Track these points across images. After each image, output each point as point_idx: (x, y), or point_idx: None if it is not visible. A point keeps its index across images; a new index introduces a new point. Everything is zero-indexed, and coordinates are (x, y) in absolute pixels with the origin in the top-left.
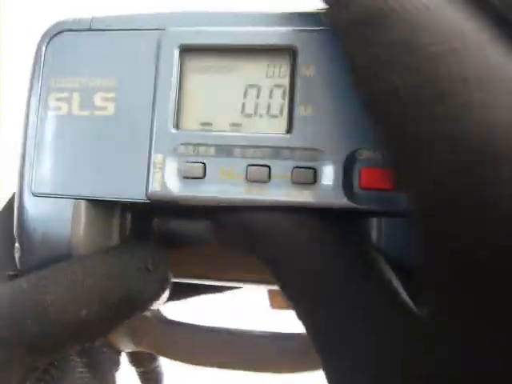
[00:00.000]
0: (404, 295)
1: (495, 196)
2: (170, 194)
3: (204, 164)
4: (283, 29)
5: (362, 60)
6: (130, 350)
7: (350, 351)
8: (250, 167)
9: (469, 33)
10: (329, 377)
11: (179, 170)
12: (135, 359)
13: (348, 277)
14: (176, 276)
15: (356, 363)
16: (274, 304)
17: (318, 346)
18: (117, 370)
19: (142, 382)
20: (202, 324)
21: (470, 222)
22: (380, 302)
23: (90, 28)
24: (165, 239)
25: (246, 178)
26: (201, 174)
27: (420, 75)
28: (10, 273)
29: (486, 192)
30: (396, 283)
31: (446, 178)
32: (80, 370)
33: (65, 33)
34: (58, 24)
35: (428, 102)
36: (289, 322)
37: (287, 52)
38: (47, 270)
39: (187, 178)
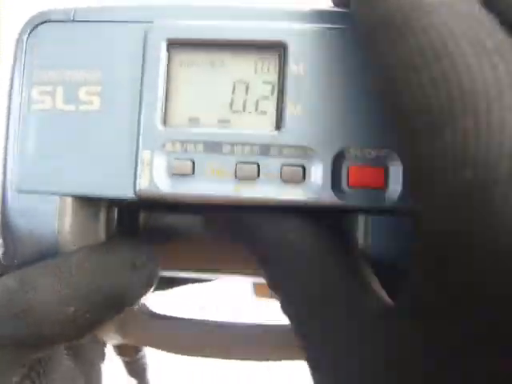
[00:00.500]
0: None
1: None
2: (158, 191)
3: (193, 161)
4: (273, 24)
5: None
6: (115, 343)
7: (331, 346)
8: (239, 164)
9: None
10: (312, 367)
11: (168, 167)
12: (120, 350)
13: (334, 276)
14: (163, 269)
15: (338, 358)
16: (258, 292)
17: (302, 338)
18: (102, 362)
19: (127, 371)
20: (186, 317)
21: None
22: (362, 300)
23: (72, 19)
24: (152, 233)
25: (235, 175)
26: (189, 171)
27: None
28: None
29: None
30: (374, 281)
31: None
32: (65, 363)
33: (46, 23)
34: (39, 14)
35: (458, 114)
36: (272, 311)
37: (277, 48)
38: (33, 267)
39: (175, 174)
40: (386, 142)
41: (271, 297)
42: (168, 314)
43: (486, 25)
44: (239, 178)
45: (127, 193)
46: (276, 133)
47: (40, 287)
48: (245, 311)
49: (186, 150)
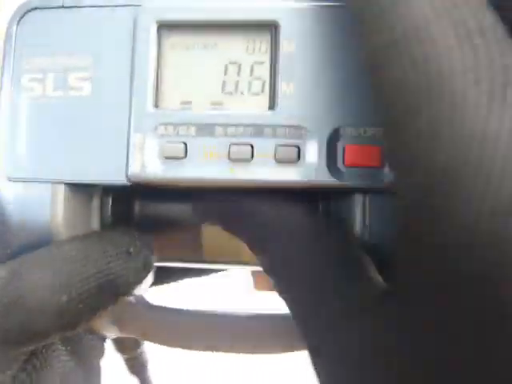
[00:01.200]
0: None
1: None
2: (150, 175)
3: (185, 144)
4: (264, 3)
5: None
6: (114, 336)
7: (330, 332)
8: (232, 146)
9: None
10: (312, 353)
11: (160, 151)
12: (120, 346)
13: (331, 261)
14: (159, 260)
15: (337, 345)
16: (258, 285)
17: (300, 323)
18: (101, 358)
19: (127, 367)
20: (186, 308)
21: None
22: (356, 286)
23: (62, 5)
24: (147, 222)
25: (229, 157)
26: (182, 154)
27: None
28: None
29: None
30: (370, 266)
31: None
32: (64, 358)
33: (36, 10)
34: (28, 1)
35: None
36: (272, 303)
37: (268, 27)
38: (25, 256)
39: (168, 158)
40: None
41: (271, 289)
42: (166, 305)
43: (472, 3)
44: (233, 159)
45: (119, 178)
46: (269, 113)
47: (32, 277)
48: (245, 303)
49: (178, 133)
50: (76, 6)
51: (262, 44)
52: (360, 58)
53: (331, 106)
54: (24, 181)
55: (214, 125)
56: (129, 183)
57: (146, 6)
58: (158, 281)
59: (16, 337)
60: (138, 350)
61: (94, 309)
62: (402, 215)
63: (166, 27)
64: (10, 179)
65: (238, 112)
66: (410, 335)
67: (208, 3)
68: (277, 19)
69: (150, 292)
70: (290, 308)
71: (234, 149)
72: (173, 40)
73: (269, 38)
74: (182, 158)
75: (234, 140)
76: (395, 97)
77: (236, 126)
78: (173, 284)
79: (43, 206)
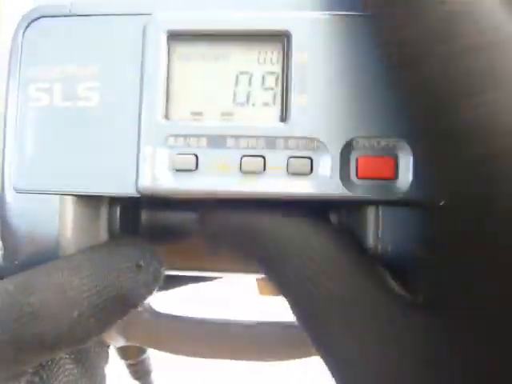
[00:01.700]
0: (399, 289)
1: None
2: (161, 187)
3: (196, 156)
4: (276, 13)
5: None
6: (119, 345)
7: (357, 347)
8: (244, 158)
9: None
10: (335, 368)
11: (170, 163)
12: (124, 352)
13: (348, 274)
14: (168, 269)
15: (365, 359)
16: (262, 290)
17: (319, 340)
18: (106, 365)
19: (130, 373)
20: (191, 316)
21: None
22: (379, 299)
23: (69, 13)
24: (155, 232)
25: (241, 169)
26: (193, 166)
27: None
28: None
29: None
30: (389, 279)
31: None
32: (69, 366)
33: (43, 18)
34: (35, 9)
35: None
36: (276, 309)
37: (280, 38)
38: (34, 270)
39: (179, 170)
40: (394, 131)
41: (275, 294)
42: (172, 313)
43: None
44: (244, 171)
45: (129, 190)
46: (282, 124)
47: (42, 291)
48: (249, 308)
49: (188, 145)
50: (84, 15)
51: (274, 54)
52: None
53: (344, 118)
54: (31, 192)
55: (225, 136)
56: (139, 195)
57: (156, 16)
58: (162, 287)
59: (27, 352)
60: (142, 356)
61: (105, 322)
62: (453, 228)
63: (176, 37)
64: (17, 191)
65: (250, 124)
66: (460, 348)
67: (219, 13)
68: (288, 29)
69: (156, 299)
70: (307, 325)
71: (245, 161)
72: (183, 50)
73: (281, 48)
74: (193, 171)
75: (246, 152)
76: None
77: (248, 137)
78: (178, 290)
79: (51, 218)
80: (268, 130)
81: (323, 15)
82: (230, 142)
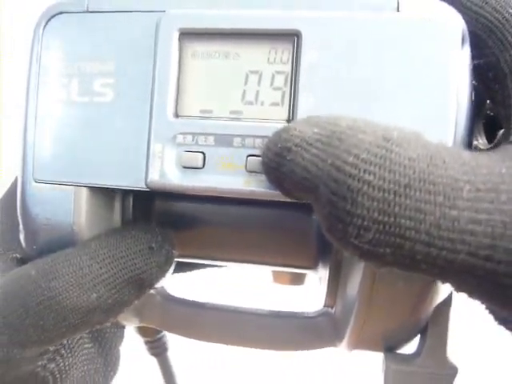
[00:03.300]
0: None
1: None
2: (169, 183)
3: (203, 153)
4: (287, 12)
5: None
6: (134, 326)
7: None
8: (249, 157)
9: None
10: None
11: (178, 160)
12: (142, 330)
13: None
14: (180, 256)
15: None
16: (277, 279)
17: None
18: (121, 343)
19: (147, 349)
20: (204, 301)
21: None
22: None
23: (87, 9)
24: (168, 220)
25: (246, 168)
26: (200, 164)
27: None
28: (17, 255)
29: None
30: None
31: None
32: (87, 345)
33: (61, 15)
34: (54, 6)
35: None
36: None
37: (290, 37)
38: (53, 256)
39: (186, 167)
40: None
41: (290, 283)
42: (186, 297)
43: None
44: (250, 171)
45: (139, 184)
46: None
47: (62, 276)
48: (264, 295)
49: (196, 143)
50: (100, 11)
51: (284, 54)
52: None
53: None
54: (48, 182)
55: (232, 135)
56: (148, 189)
57: (168, 13)
58: (178, 269)
59: (50, 333)
60: (160, 334)
61: (122, 303)
62: None
63: (188, 35)
64: (35, 180)
65: (257, 123)
66: None
67: (230, 12)
68: (299, 29)
69: (171, 283)
70: None
71: (251, 160)
72: (194, 48)
73: (291, 47)
74: (200, 168)
75: (252, 151)
76: None
77: (254, 137)
78: (194, 275)
79: (66, 207)
80: (274, 130)
81: (335, 15)
82: (237, 141)
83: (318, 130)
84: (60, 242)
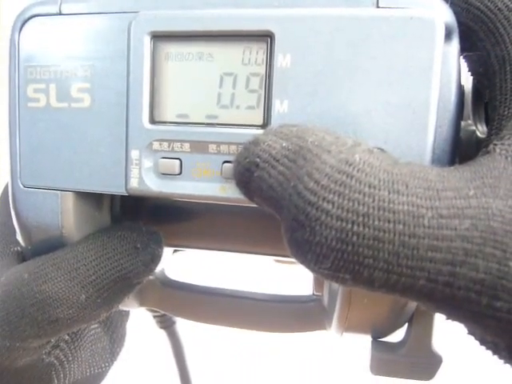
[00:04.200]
0: None
1: None
2: (147, 189)
3: (180, 160)
4: (260, 12)
5: None
6: (135, 309)
7: None
8: (225, 164)
9: None
10: None
11: (155, 167)
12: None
13: None
14: (175, 247)
15: None
16: (278, 259)
17: None
18: (127, 321)
19: (156, 323)
20: (204, 285)
21: None
22: None
23: (59, 12)
24: (159, 214)
25: (222, 174)
26: (177, 171)
27: None
28: (17, 248)
29: None
30: None
31: None
32: (93, 327)
33: (35, 18)
34: (27, 9)
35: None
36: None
37: (264, 38)
38: (43, 259)
39: (164, 174)
40: (375, 143)
41: (291, 263)
42: (185, 281)
43: None
44: (225, 177)
45: (120, 189)
46: (262, 131)
47: (51, 280)
48: (264, 278)
49: (172, 149)
50: (73, 13)
51: (259, 54)
52: None
53: (326, 125)
54: (35, 188)
55: (207, 142)
56: (128, 195)
57: (139, 15)
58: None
59: (47, 330)
60: None
61: (112, 302)
62: None
63: (161, 37)
64: (23, 185)
65: (231, 129)
66: None
67: (203, 12)
68: (272, 29)
69: (170, 266)
70: None
71: (226, 166)
72: (167, 50)
73: (265, 48)
74: (177, 175)
75: (227, 158)
76: None
77: (229, 144)
78: (193, 258)
79: (54, 211)
80: (249, 136)
81: (309, 14)
82: (212, 147)
83: (286, 145)
84: (51, 244)
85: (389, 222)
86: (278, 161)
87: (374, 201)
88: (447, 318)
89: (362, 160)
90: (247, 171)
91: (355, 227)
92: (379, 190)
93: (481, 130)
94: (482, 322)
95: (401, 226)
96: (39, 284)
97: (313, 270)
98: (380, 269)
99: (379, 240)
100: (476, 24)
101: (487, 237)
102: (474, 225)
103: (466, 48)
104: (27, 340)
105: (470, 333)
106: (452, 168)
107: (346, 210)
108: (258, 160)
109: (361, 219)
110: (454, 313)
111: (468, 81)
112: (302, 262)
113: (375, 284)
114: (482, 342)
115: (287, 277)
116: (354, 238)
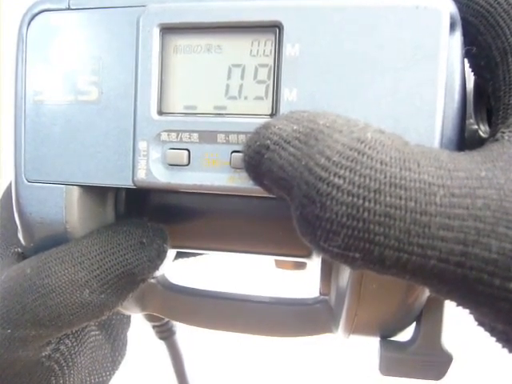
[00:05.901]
0: None
1: None
2: (155, 181)
3: (188, 151)
4: (269, 2)
5: None
6: (136, 314)
7: None
8: (234, 154)
9: None
10: None
11: (163, 157)
12: (148, 315)
13: None
14: (178, 247)
15: None
16: (279, 264)
17: None
18: (128, 329)
19: (155, 333)
20: (205, 289)
21: None
22: None
23: (68, 7)
24: (163, 212)
25: (231, 164)
26: (185, 162)
27: None
28: (18, 249)
29: None
30: None
31: None
32: (94, 333)
33: (44, 13)
34: (35, 4)
35: None
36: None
37: (272, 28)
38: (47, 254)
39: (172, 165)
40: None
41: (292, 268)
42: (187, 285)
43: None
44: (234, 167)
45: (127, 182)
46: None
47: (55, 273)
48: (266, 282)
49: (181, 140)
50: (82, 8)
51: (267, 46)
52: None
53: (335, 112)
54: (39, 182)
55: (216, 132)
56: (135, 187)
57: (148, 9)
58: (181, 255)
59: (47, 328)
60: (166, 319)
61: (116, 298)
62: None
63: (169, 30)
64: (27, 180)
65: (240, 119)
66: None
67: (211, 4)
68: (280, 20)
69: (172, 271)
70: None
71: (235, 156)
72: (176, 42)
73: (273, 39)
74: (185, 165)
75: (236, 147)
76: None
77: (237, 133)
78: (195, 262)
79: (59, 206)
80: (258, 125)
81: (317, 5)
82: (221, 137)
83: (297, 128)
84: (55, 240)
85: (400, 198)
86: (288, 143)
87: (385, 177)
88: (458, 305)
89: (374, 138)
90: (257, 154)
91: (366, 203)
92: (391, 166)
93: (483, 130)
94: (495, 306)
95: (412, 203)
96: (42, 278)
97: (322, 249)
98: (391, 247)
99: (390, 217)
100: (476, 19)
101: (500, 216)
102: (487, 204)
103: (466, 43)
104: (27, 340)
105: (480, 323)
106: (462, 152)
107: (357, 186)
108: (268, 142)
109: (372, 195)
110: (465, 296)
111: (469, 81)
112: (311, 241)
113: (386, 263)
114: (493, 332)
115: (290, 283)
116: (365, 214)
